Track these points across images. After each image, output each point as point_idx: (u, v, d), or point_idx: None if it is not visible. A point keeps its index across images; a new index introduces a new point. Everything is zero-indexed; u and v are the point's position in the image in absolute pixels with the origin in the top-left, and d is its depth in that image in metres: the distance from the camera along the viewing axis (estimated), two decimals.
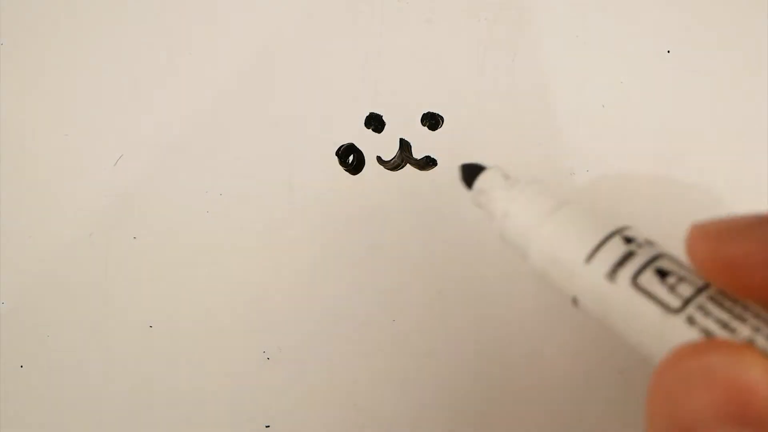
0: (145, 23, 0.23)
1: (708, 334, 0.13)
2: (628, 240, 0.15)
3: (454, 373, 0.25)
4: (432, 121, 0.24)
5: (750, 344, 0.12)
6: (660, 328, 0.13)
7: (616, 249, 0.15)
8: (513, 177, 0.19)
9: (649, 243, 0.15)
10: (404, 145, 0.24)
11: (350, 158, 0.24)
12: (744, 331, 0.12)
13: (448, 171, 0.24)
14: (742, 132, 0.25)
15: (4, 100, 0.23)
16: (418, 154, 0.24)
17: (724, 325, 0.13)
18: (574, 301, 0.16)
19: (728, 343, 0.12)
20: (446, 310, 0.24)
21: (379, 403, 0.24)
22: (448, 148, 0.24)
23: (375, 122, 0.24)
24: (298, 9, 0.23)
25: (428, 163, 0.24)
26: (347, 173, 0.24)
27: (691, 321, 0.13)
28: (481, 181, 0.20)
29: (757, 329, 0.12)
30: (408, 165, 0.24)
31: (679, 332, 0.13)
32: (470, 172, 0.20)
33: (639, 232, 0.15)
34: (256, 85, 0.23)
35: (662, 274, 0.14)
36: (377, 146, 0.24)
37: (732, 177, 0.24)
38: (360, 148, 0.24)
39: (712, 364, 0.11)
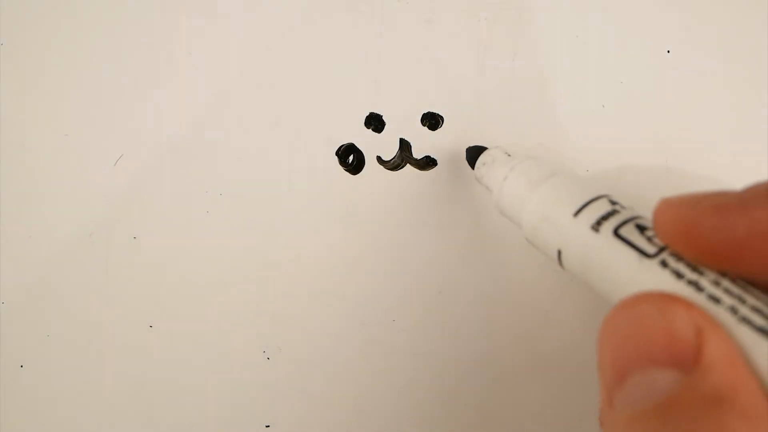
0: (145, 23, 0.23)
1: (679, 275, 0.14)
2: (613, 203, 0.16)
3: (455, 373, 0.25)
4: (432, 121, 0.24)
5: (678, 296, 0.13)
6: (635, 270, 0.14)
7: (601, 207, 0.16)
8: (513, 154, 0.21)
9: (632, 209, 0.16)
10: (404, 145, 0.24)
11: (350, 158, 0.24)
12: (710, 274, 0.13)
13: (448, 171, 0.24)
14: (742, 132, 0.25)
15: (4, 100, 0.23)
16: (418, 154, 0.24)
17: (694, 269, 0.14)
18: (559, 256, 0.17)
19: (660, 295, 0.13)
20: (446, 310, 0.24)
21: (379, 403, 0.24)
22: (448, 148, 0.24)
23: (375, 122, 0.24)
24: (298, 9, 0.23)
25: (428, 163, 0.24)
26: (347, 173, 0.24)
27: (664, 264, 0.14)
28: (482, 157, 0.22)
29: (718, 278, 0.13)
30: (408, 165, 0.24)
31: (652, 274, 0.14)
32: (474, 153, 0.22)
33: (624, 201, 0.17)
34: (255, 85, 0.23)
35: (641, 228, 0.15)
36: (377, 146, 0.24)
37: (732, 177, 0.24)
38: (360, 148, 0.24)
39: (644, 313, 0.13)
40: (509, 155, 0.21)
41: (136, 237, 0.23)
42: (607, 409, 0.13)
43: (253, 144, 0.23)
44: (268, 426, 0.24)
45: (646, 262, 0.14)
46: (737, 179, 0.24)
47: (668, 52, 0.24)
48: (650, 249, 0.14)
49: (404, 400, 0.25)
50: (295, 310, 0.24)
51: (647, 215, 0.16)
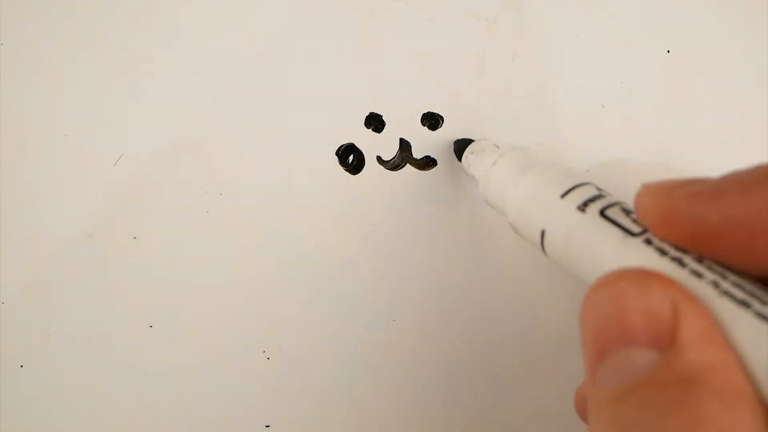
0: (145, 23, 0.23)
1: (663, 252, 0.14)
2: (600, 189, 0.17)
3: (455, 373, 0.25)
4: (432, 121, 0.24)
5: (657, 273, 0.13)
6: (619, 248, 0.14)
7: (588, 191, 0.16)
8: (501, 146, 0.21)
9: (617, 197, 0.16)
10: (404, 145, 0.24)
11: (350, 158, 0.24)
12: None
13: (448, 171, 0.24)
14: (742, 132, 0.25)
15: (4, 100, 0.23)
16: (418, 154, 0.24)
17: (677, 247, 0.14)
18: (542, 238, 0.17)
19: (639, 272, 0.13)
20: (446, 310, 0.24)
21: (379, 403, 0.24)
22: (448, 148, 0.24)
23: (375, 122, 0.24)
24: (298, 9, 0.23)
25: (428, 163, 0.24)
26: (347, 173, 0.24)
27: (648, 242, 0.14)
28: (470, 147, 0.22)
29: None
30: (408, 165, 0.24)
31: (635, 252, 0.14)
32: (462, 145, 0.23)
33: (618, 197, 0.17)
34: (255, 85, 0.23)
35: (626, 212, 0.15)
36: (377, 146, 0.24)
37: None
38: (360, 148, 0.24)
39: (623, 290, 0.13)
40: (497, 146, 0.22)
41: (136, 237, 0.23)
42: (591, 385, 0.13)
43: (253, 144, 0.23)
44: (268, 426, 0.24)
45: (631, 239, 0.14)
46: None
47: (668, 52, 0.24)
48: (635, 228, 0.15)
49: (404, 400, 0.25)
50: (295, 310, 0.24)
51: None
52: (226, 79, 0.23)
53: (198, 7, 0.23)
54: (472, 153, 0.22)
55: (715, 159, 0.24)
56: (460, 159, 0.23)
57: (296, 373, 0.24)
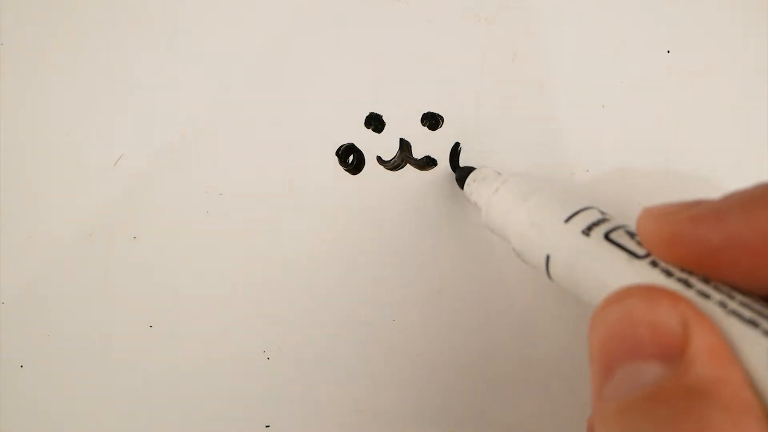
0: (145, 23, 0.23)
1: (669, 274, 0.14)
2: (602, 213, 0.17)
3: (454, 373, 0.25)
4: (432, 121, 0.24)
5: (666, 289, 0.13)
6: (625, 270, 0.14)
7: (592, 215, 0.16)
8: (503, 172, 0.21)
9: (620, 220, 0.16)
10: (404, 145, 0.24)
11: (350, 158, 0.24)
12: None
13: (448, 171, 0.24)
14: (742, 132, 0.25)
15: (4, 100, 0.23)
16: (418, 154, 0.24)
17: (683, 269, 0.14)
18: (547, 263, 0.17)
19: (647, 288, 0.13)
20: (446, 310, 0.24)
21: (379, 403, 0.24)
22: (448, 148, 0.24)
23: (375, 122, 0.24)
24: (298, 9, 0.23)
25: (428, 163, 0.24)
26: (347, 173, 0.24)
27: (654, 264, 0.14)
28: (472, 175, 0.22)
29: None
30: (408, 165, 0.24)
31: (641, 273, 0.14)
32: (464, 173, 0.23)
33: (622, 204, 0.17)
34: (255, 85, 0.23)
35: (631, 234, 0.15)
36: (377, 146, 0.24)
37: (732, 177, 0.24)
38: (360, 148, 0.24)
39: (632, 306, 0.13)
40: (499, 173, 0.22)
41: (136, 237, 0.23)
42: (597, 402, 0.13)
43: (253, 144, 0.23)
44: (268, 426, 0.24)
45: (636, 262, 0.14)
46: (737, 179, 0.24)
47: (668, 52, 0.24)
48: (640, 251, 0.15)
49: (404, 399, 0.25)
50: (295, 310, 0.24)
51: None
52: (226, 79, 0.23)
53: (198, 7, 0.23)
54: (474, 181, 0.22)
55: (715, 159, 0.24)
56: (462, 187, 0.23)
57: (296, 373, 0.24)
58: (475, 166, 0.23)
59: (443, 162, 0.24)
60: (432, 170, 0.24)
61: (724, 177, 0.24)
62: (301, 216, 0.24)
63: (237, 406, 0.24)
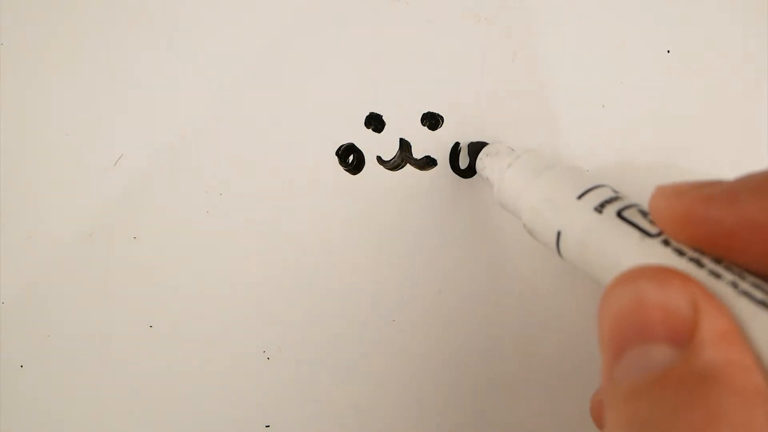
0: (145, 23, 0.23)
1: (681, 253, 0.14)
2: (615, 191, 0.17)
3: (454, 373, 0.25)
4: (432, 121, 0.24)
5: (677, 270, 0.13)
6: (637, 248, 0.14)
7: (605, 193, 0.16)
8: (516, 148, 0.21)
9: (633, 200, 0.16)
10: (404, 145, 0.24)
11: (350, 158, 0.24)
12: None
13: (448, 171, 0.24)
14: (742, 132, 0.25)
15: (4, 100, 0.23)
16: (418, 154, 0.24)
17: (695, 248, 0.14)
18: (558, 239, 0.17)
19: (658, 269, 0.13)
20: (446, 310, 0.24)
21: (379, 403, 0.24)
22: (448, 148, 0.24)
23: (375, 122, 0.24)
24: (298, 9, 0.23)
25: (428, 163, 0.24)
26: (347, 173, 0.24)
27: (666, 243, 0.14)
28: (485, 149, 0.22)
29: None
30: (408, 165, 0.24)
31: (653, 252, 0.14)
32: (476, 147, 0.23)
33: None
34: (255, 85, 0.23)
35: (644, 213, 0.15)
36: (377, 146, 0.24)
37: (732, 177, 0.24)
38: (360, 148, 0.24)
39: (642, 287, 0.13)
40: (512, 149, 0.22)
41: (136, 237, 0.23)
42: (607, 383, 0.13)
43: (253, 144, 0.23)
44: (268, 426, 0.24)
45: (648, 240, 0.14)
46: None
47: (668, 52, 0.24)
48: (652, 230, 0.15)
49: (404, 400, 0.25)
50: (295, 310, 0.24)
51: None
52: (226, 78, 0.23)
53: (198, 7, 0.23)
54: (487, 155, 0.22)
55: (716, 159, 0.24)
56: (474, 162, 0.23)
57: (296, 373, 0.24)
58: (487, 141, 0.23)
59: (443, 162, 0.24)
60: (432, 170, 0.24)
61: (724, 176, 0.24)
62: (301, 216, 0.24)
63: (237, 406, 0.24)
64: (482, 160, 0.22)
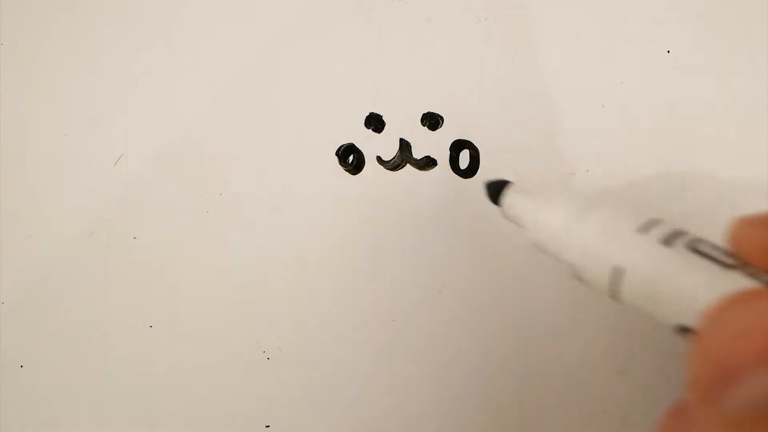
0: (145, 23, 0.23)
1: (766, 284, 0.13)
2: (675, 228, 0.15)
3: (454, 373, 0.25)
4: (432, 121, 0.24)
5: None
6: (717, 282, 0.13)
7: (666, 227, 0.15)
8: (540, 187, 0.19)
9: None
10: (404, 145, 0.24)
11: (350, 158, 0.24)
12: None
13: (448, 171, 0.24)
14: (742, 132, 0.24)
15: (4, 100, 0.23)
16: (418, 154, 0.24)
17: None
18: (616, 278, 0.16)
19: None
20: (447, 309, 0.24)
21: (379, 403, 0.24)
22: (448, 148, 0.24)
23: (375, 122, 0.24)
24: (298, 9, 0.23)
25: (428, 163, 0.24)
26: (347, 173, 0.24)
27: (747, 274, 0.13)
28: (512, 188, 0.20)
29: None
30: (408, 165, 0.24)
31: (739, 284, 0.13)
32: (495, 189, 0.21)
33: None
34: (256, 85, 0.23)
35: (713, 246, 0.14)
36: (377, 146, 0.24)
37: (732, 177, 0.24)
38: (360, 148, 0.24)
39: (756, 310, 0.12)
40: (535, 190, 0.20)
41: (136, 237, 0.23)
42: (704, 407, 0.12)
43: (253, 144, 0.23)
44: (268, 426, 0.24)
45: (730, 272, 0.14)
46: (737, 179, 0.24)
47: (668, 52, 0.24)
48: (728, 261, 0.14)
49: (404, 400, 0.24)
50: (295, 311, 0.24)
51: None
52: (226, 79, 0.23)
53: (198, 8, 0.23)
54: (517, 193, 0.20)
55: (715, 159, 0.24)
56: (495, 201, 0.20)
57: (296, 373, 0.24)
58: (506, 180, 0.21)
59: (443, 162, 0.24)
60: (432, 170, 0.24)
61: (724, 177, 0.24)
62: (301, 216, 0.24)
63: (237, 406, 0.24)
64: (511, 198, 0.20)
